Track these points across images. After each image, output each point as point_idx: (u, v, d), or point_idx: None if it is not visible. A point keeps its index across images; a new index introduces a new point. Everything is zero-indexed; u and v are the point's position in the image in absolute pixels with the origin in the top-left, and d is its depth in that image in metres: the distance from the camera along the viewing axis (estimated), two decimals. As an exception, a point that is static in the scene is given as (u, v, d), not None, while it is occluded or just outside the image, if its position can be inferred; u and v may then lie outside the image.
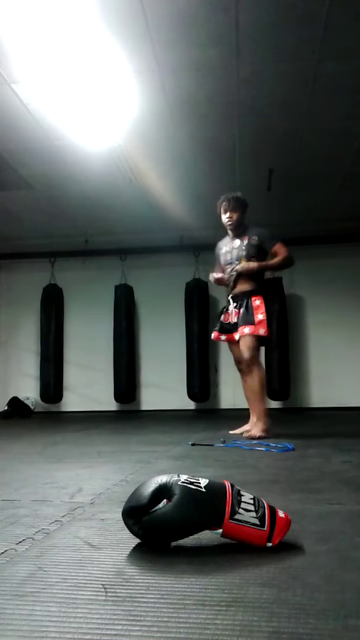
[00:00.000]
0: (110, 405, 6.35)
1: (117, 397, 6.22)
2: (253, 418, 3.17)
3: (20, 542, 1.04)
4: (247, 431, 3.14)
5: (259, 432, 3.06)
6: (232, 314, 3.30)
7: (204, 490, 1.00)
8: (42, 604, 0.74)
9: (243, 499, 1.00)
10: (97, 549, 0.99)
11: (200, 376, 5.99)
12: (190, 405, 6.02)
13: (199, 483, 1.01)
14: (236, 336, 3.23)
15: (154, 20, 2.79)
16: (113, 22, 2.79)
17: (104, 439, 3.38)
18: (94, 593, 0.78)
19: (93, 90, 3.37)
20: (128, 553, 0.97)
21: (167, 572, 0.87)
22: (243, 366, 3.26)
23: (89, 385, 6.52)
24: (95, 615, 0.70)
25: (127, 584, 0.82)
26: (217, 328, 3.43)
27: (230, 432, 3.31)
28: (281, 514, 1.01)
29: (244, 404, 5.99)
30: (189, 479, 1.02)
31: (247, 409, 3.29)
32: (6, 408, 6.05)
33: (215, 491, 1.00)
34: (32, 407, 6.25)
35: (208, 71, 3.24)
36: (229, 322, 3.31)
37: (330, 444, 2.79)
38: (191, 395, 5.98)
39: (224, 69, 3.22)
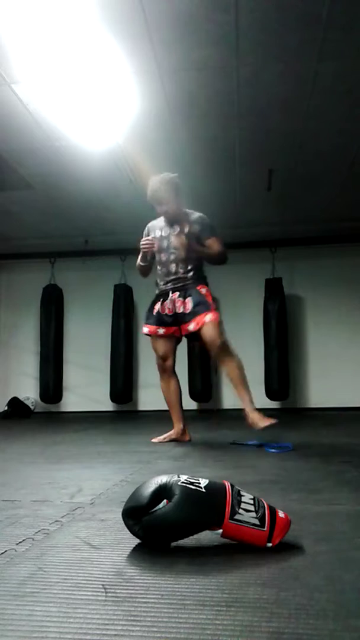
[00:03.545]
0: (111, 405, 6.36)
1: (113, 397, 6.20)
2: (249, 408, 2.74)
3: (20, 542, 1.04)
4: (254, 424, 2.70)
5: (265, 420, 2.67)
6: (176, 304, 2.93)
7: (204, 490, 1.00)
8: (42, 604, 0.74)
9: (243, 499, 1.00)
10: (97, 549, 0.99)
11: (202, 376, 6.00)
12: (192, 405, 6.02)
13: (199, 483, 1.01)
14: (190, 326, 2.86)
15: (154, 21, 2.79)
16: (113, 23, 2.79)
17: (104, 439, 3.38)
18: (94, 593, 0.78)
19: (93, 90, 3.37)
20: (128, 553, 0.97)
21: (167, 573, 0.87)
22: (212, 354, 2.90)
23: (88, 386, 6.51)
24: (95, 616, 0.70)
25: (127, 584, 0.82)
26: (152, 321, 3.03)
27: (153, 440, 2.99)
28: (281, 514, 1.01)
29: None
30: (189, 479, 1.02)
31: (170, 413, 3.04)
32: (6, 408, 6.05)
33: (215, 491, 1.00)
34: (32, 407, 6.26)
35: (208, 71, 3.24)
36: (173, 313, 2.94)
37: (330, 443, 2.79)
38: (192, 395, 5.99)
39: (224, 69, 3.22)
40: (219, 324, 2.85)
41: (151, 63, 3.14)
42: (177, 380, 3.11)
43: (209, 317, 2.82)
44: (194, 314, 2.86)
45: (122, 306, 6.26)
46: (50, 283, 6.49)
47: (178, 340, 3.10)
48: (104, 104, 3.54)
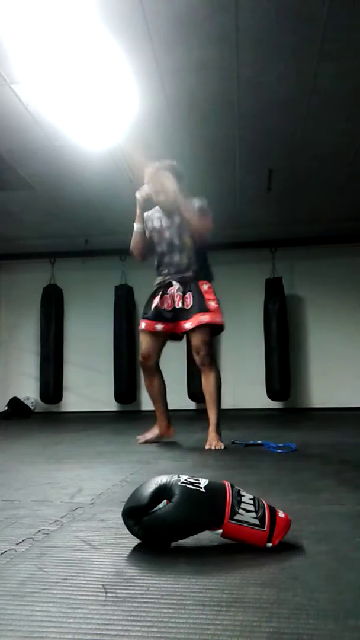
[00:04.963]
0: (111, 405, 6.35)
1: (118, 397, 6.22)
2: (211, 427, 2.69)
3: (20, 542, 1.04)
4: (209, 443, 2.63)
5: (218, 444, 2.59)
6: (175, 298, 2.76)
7: (204, 490, 1.00)
8: (42, 605, 0.74)
9: (243, 499, 1.00)
10: (97, 549, 0.99)
11: (201, 376, 6.01)
12: (191, 405, 6.02)
13: (199, 483, 1.01)
14: (187, 325, 2.71)
15: (154, 21, 2.79)
16: (113, 23, 2.79)
17: (104, 439, 3.38)
18: (94, 593, 0.78)
19: (93, 90, 3.37)
20: (128, 553, 0.97)
21: (167, 573, 0.87)
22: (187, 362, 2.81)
23: (88, 386, 6.51)
24: (95, 616, 0.70)
25: (127, 584, 0.81)
26: (149, 315, 2.83)
27: (139, 437, 2.96)
28: (281, 514, 1.01)
29: (244, 404, 6.05)
30: (189, 479, 1.02)
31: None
32: (6, 408, 6.05)
33: (215, 491, 1.00)
34: (32, 408, 6.26)
35: (208, 71, 3.24)
36: (172, 308, 2.77)
37: (330, 443, 2.79)
38: (191, 395, 5.98)
39: (224, 69, 3.22)
40: (211, 331, 2.74)
41: (151, 63, 3.14)
42: (161, 377, 2.99)
43: (205, 317, 2.69)
44: (191, 311, 2.72)
45: (123, 307, 6.27)
46: (50, 283, 6.50)
47: (171, 338, 2.95)
48: (104, 104, 3.54)
